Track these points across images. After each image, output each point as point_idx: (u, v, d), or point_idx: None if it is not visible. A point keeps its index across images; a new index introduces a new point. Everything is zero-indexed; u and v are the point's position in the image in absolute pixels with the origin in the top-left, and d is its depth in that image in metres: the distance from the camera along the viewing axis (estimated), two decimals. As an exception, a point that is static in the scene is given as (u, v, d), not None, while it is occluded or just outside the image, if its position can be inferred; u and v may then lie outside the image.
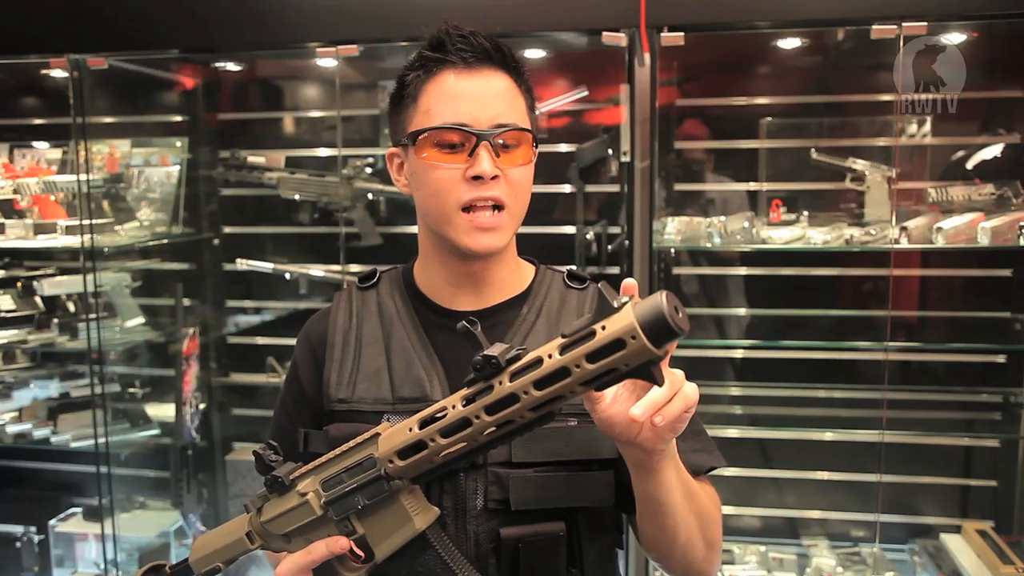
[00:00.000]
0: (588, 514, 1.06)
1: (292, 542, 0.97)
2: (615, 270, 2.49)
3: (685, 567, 1.04)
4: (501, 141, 1.04)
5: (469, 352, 1.10)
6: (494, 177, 1.03)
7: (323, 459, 0.95)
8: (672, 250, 2.57)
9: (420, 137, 1.05)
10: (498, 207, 1.04)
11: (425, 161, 1.05)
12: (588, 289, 1.17)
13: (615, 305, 0.74)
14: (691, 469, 1.04)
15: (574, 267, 1.21)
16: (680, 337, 0.71)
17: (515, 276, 1.15)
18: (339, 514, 0.93)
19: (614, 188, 2.55)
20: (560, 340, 0.77)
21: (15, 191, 2.76)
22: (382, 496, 0.90)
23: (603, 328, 0.74)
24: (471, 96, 1.04)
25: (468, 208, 1.04)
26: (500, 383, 0.80)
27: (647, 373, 0.75)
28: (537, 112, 1.16)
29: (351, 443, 0.92)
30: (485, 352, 0.80)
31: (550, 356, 0.77)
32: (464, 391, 0.82)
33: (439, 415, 0.84)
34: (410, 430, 0.86)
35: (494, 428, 0.81)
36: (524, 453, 1.03)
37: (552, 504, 1.03)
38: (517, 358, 0.80)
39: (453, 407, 0.83)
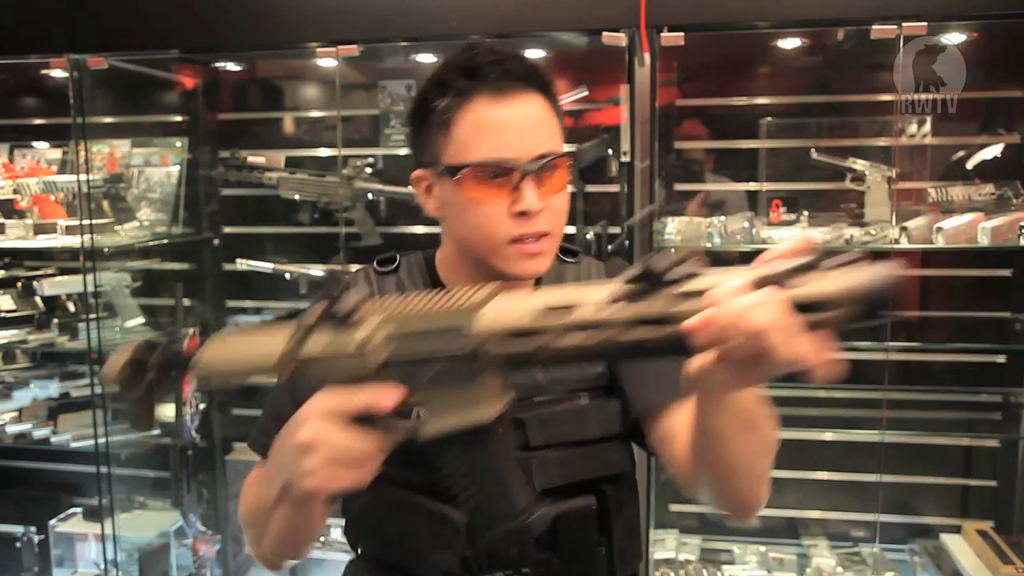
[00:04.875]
0: (615, 484, 1.07)
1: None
2: (615, 270, 2.49)
3: (730, 498, 0.97)
4: (542, 171, 1.02)
5: None
6: (539, 210, 1.02)
7: (399, 303, 0.79)
8: (672, 250, 2.57)
9: (460, 173, 1.02)
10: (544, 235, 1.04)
11: (466, 196, 1.02)
12: (582, 263, 1.18)
13: (848, 258, 0.64)
14: (652, 404, 1.05)
15: (564, 243, 1.20)
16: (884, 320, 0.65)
17: None
18: (398, 378, 0.78)
19: (614, 188, 2.55)
20: (757, 273, 0.66)
21: (15, 191, 2.76)
22: (459, 375, 0.76)
23: (826, 275, 0.64)
24: (509, 126, 1.01)
25: (518, 240, 1.03)
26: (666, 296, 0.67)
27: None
28: None
29: (438, 299, 0.79)
30: (650, 265, 0.67)
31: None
32: (614, 288, 0.70)
33: (570, 306, 0.71)
34: (529, 311, 0.73)
35: (626, 339, 0.69)
36: (541, 436, 1.04)
37: (577, 478, 1.04)
38: (691, 276, 0.67)
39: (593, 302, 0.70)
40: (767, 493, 0.97)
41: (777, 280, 0.65)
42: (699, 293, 0.66)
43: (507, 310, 0.74)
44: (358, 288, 0.87)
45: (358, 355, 0.78)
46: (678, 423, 1.02)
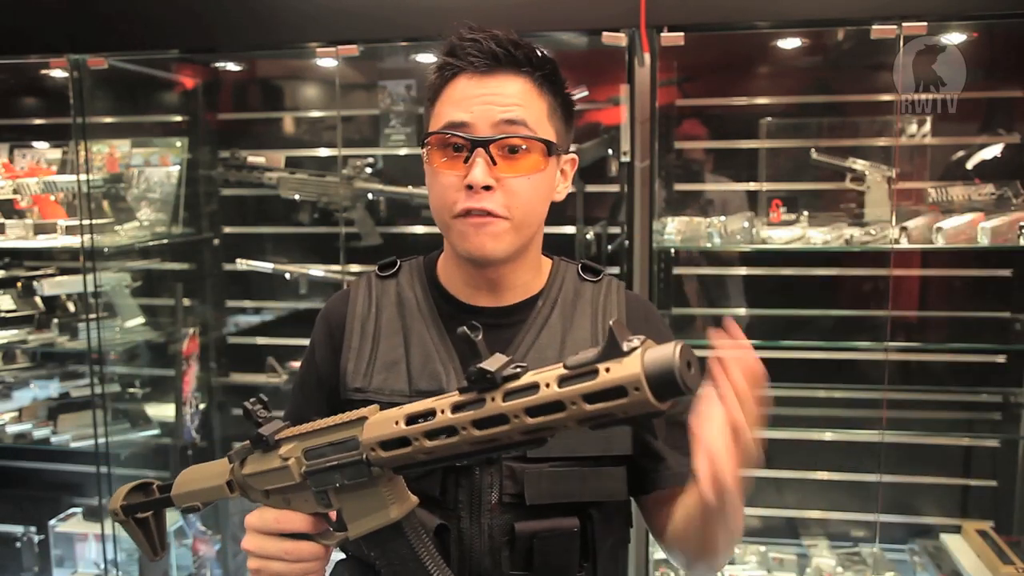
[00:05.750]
0: (602, 509, 1.06)
1: (271, 498, 0.97)
2: (615, 270, 2.49)
3: (696, 561, 1.07)
4: (506, 148, 1.02)
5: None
6: (487, 187, 1.01)
7: (309, 427, 0.93)
8: (672, 250, 2.57)
9: (427, 141, 1.06)
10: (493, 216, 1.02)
11: (430, 167, 1.06)
12: (602, 281, 1.16)
13: (624, 348, 0.69)
14: (680, 480, 1.07)
15: (587, 260, 1.21)
16: (688, 396, 0.68)
17: (536, 278, 1.15)
18: (317, 486, 0.91)
19: (614, 188, 2.55)
20: (560, 371, 0.73)
21: (15, 191, 2.76)
22: (360, 480, 0.88)
23: (607, 371, 0.70)
24: (477, 101, 1.02)
25: (465, 214, 1.03)
26: (492, 399, 0.76)
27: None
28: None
29: (338, 418, 0.90)
30: (481, 365, 0.76)
31: (547, 385, 0.73)
32: (455, 397, 0.79)
33: (428, 414, 0.81)
34: (396, 423, 0.83)
35: (480, 442, 0.78)
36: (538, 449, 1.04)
37: (566, 499, 1.03)
38: (515, 376, 0.76)
39: (442, 411, 0.79)
40: (726, 558, 1.10)
41: (578, 376, 0.72)
42: (525, 388, 0.75)
43: (381, 422, 0.85)
44: (274, 423, 0.96)
45: (283, 468, 0.93)
46: (678, 498, 1.08)
